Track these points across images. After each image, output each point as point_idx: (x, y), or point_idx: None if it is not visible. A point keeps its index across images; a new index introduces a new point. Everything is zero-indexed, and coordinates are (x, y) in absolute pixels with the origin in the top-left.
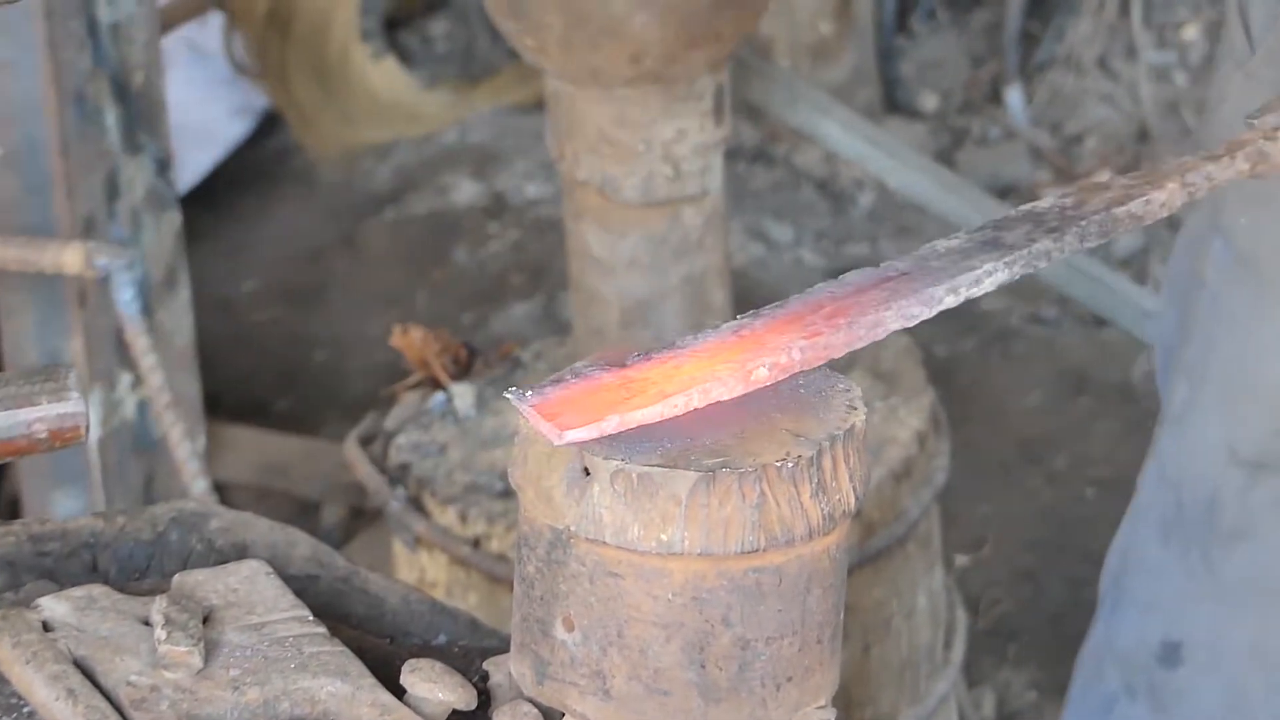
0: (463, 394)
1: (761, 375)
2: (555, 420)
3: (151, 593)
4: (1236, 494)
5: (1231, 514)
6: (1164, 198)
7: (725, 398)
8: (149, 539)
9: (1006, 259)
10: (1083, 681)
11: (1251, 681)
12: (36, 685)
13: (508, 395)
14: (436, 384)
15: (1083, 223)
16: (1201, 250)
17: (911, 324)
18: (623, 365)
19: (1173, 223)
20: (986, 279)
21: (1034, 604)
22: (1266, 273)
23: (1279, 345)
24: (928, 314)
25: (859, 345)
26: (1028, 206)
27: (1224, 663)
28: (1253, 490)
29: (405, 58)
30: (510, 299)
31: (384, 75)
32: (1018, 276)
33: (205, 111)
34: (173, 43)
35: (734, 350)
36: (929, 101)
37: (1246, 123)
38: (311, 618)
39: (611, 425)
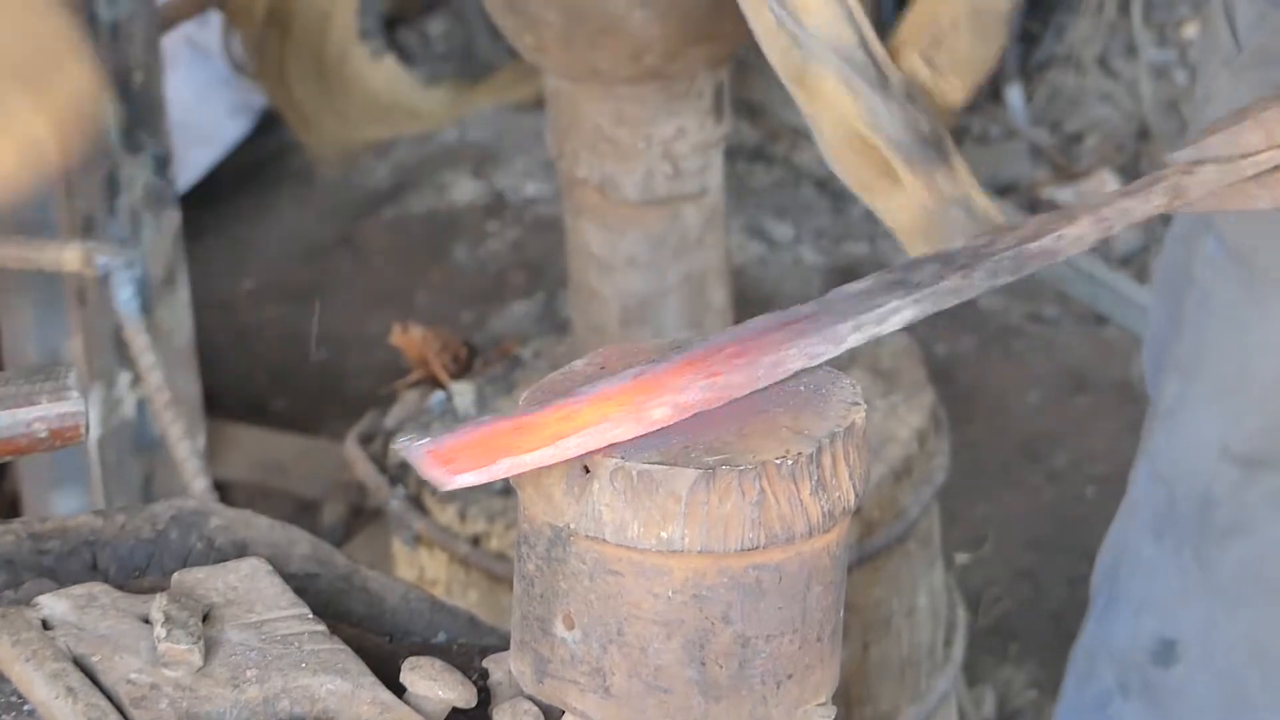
0: (462, 392)
1: (660, 415)
2: (447, 465)
3: (151, 591)
4: (1230, 490)
5: (1225, 511)
6: (1077, 233)
7: (621, 439)
8: (149, 537)
9: (914, 296)
10: (1076, 680)
11: (1248, 679)
12: (36, 683)
13: (395, 446)
14: (436, 382)
15: (994, 259)
16: (1192, 247)
17: (815, 362)
18: (519, 413)
19: (1170, 220)
20: (893, 316)
21: (1034, 602)
22: (1258, 269)
23: (1272, 341)
24: (833, 352)
25: (761, 385)
26: (940, 249)
27: (1219, 660)
28: (1248, 487)
29: (404, 56)
30: (510, 297)
31: (383, 74)
32: (927, 314)
33: (204, 110)
34: (172, 42)
35: (634, 392)
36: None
37: (1167, 158)
38: (311, 616)
39: (502, 469)
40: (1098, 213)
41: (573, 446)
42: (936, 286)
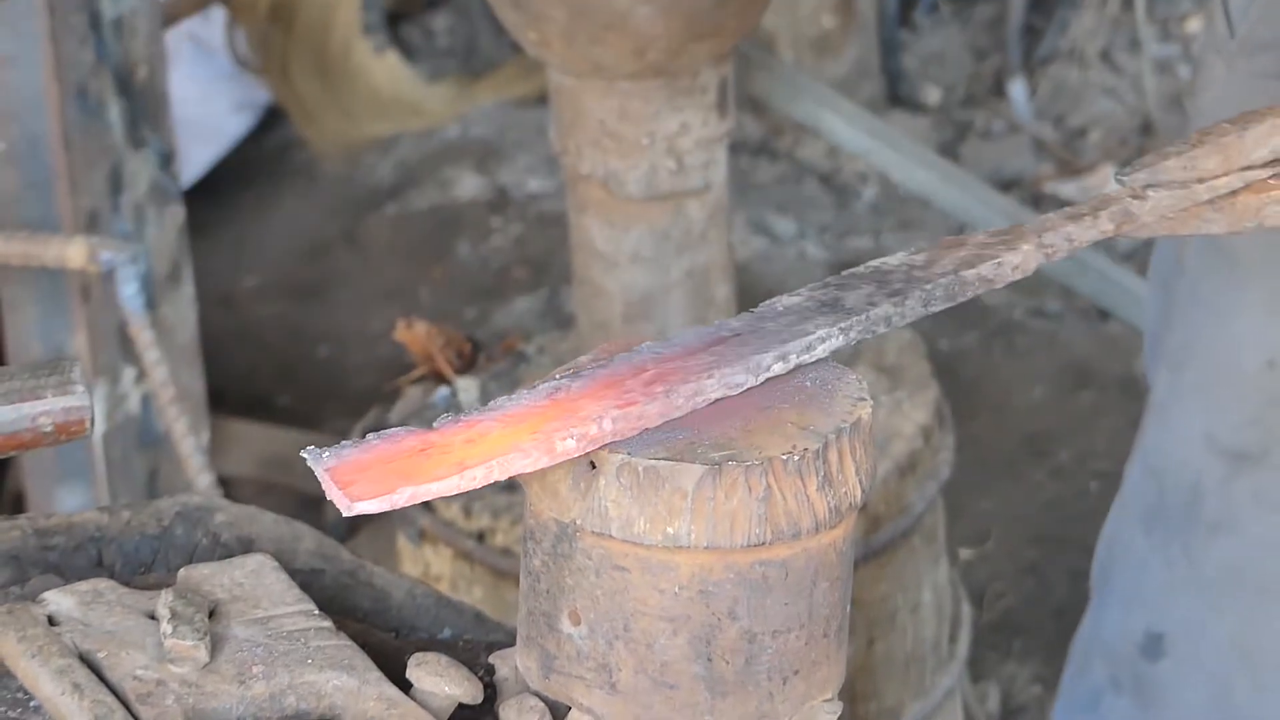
0: (467, 388)
1: (568, 447)
2: (347, 489)
3: (157, 587)
4: (1217, 484)
5: (1212, 505)
6: (1018, 260)
7: (528, 469)
8: (154, 533)
9: (843, 324)
10: (1072, 674)
11: (1234, 675)
12: (43, 680)
13: (304, 454)
14: (440, 378)
15: (928, 286)
16: (1183, 237)
17: (735, 392)
18: (429, 429)
19: None
20: (819, 345)
21: (1038, 598)
22: (1241, 259)
23: (1254, 333)
24: (753, 381)
25: (677, 414)
26: (876, 263)
27: (1205, 656)
28: (1233, 481)
29: (407, 52)
30: (513, 293)
31: (386, 70)
32: (854, 342)
33: (208, 106)
34: (175, 37)
35: (545, 417)
36: (932, 95)
37: (1116, 179)
38: (317, 612)
39: (403, 498)
40: (1040, 238)
41: (479, 476)
42: (868, 314)
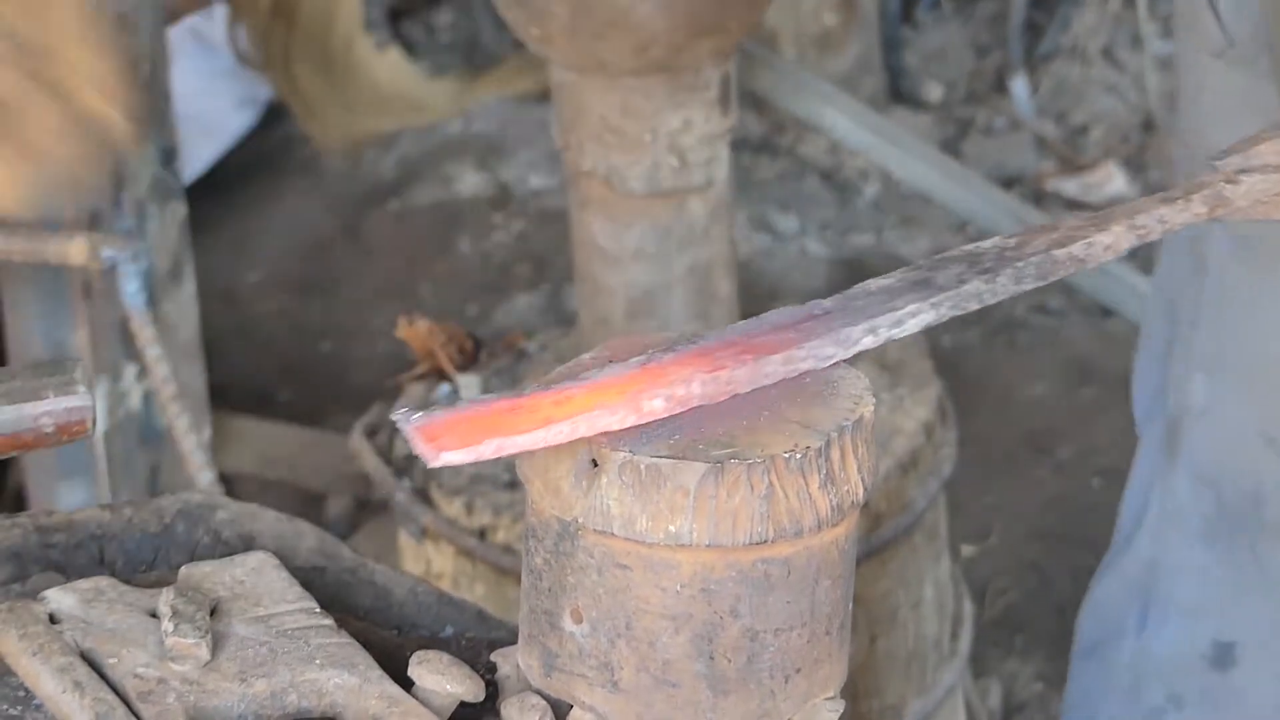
0: (468, 385)
1: (656, 406)
2: (434, 441)
3: (158, 585)
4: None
5: (1277, 504)
6: (1109, 240)
7: (615, 428)
8: (155, 531)
9: (933, 299)
10: (1120, 701)
11: None
12: (44, 677)
13: (394, 417)
14: (442, 375)
15: (1019, 264)
16: (1201, 235)
17: (825, 364)
18: (520, 393)
19: None
20: (910, 320)
21: (1040, 595)
22: (1265, 247)
23: None
24: (843, 354)
25: (767, 382)
26: (970, 247)
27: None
28: None
29: (409, 48)
30: (515, 290)
31: (388, 65)
32: (945, 318)
33: (210, 102)
34: (177, 33)
35: (634, 381)
36: (934, 92)
37: (1208, 164)
38: (319, 610)
39: (489, 450)
40: (1132, 220)
41: (564, 431)
42: (958, 290)
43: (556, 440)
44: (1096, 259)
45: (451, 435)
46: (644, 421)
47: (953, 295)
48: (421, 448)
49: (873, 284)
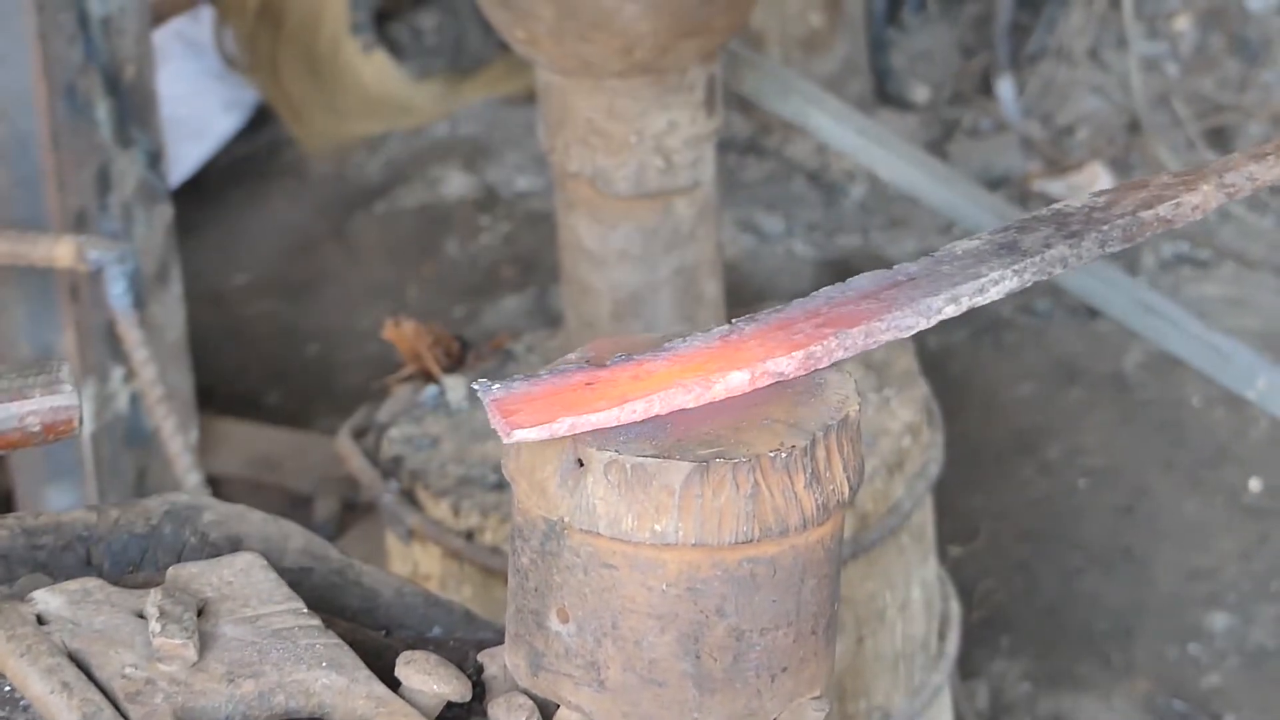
0: (455, 386)
1: (737, 382)
2: (509, 418)
3: (146, 586)
4: None
5: None
6: (1197, 200)
7: (689, 405)
8: (143, 532)
9: (1016, 266)
10: None
11: None
12: (32, 679)
13: (475, 386)
14: (429, 377)
15: (1105, 227)
16: None
17: (907, 334)
18: (601, 365)
19: None
20: (993, 287)
21: (1028, 595)
22: None
23: None
24: (925, 324)
25: (847, 355)
26: (1058, 205)
27: None
28: None
29: (395, 51)
30: (502, 291)
31: (374, 68)
32: (1029, 284)
33: (196, 105)
34: (164, 36)
35: (713, 357)
36: (920, 93)
37: None
38: (306, 610)
39: (563, 428)
40: (1221, 178)
41: (639, 410)
42: (1043, 255)
43: (630, 419)
44: (1184, 219)
45: (527, 411)
46: (722, 399)
47: (1037, 261)
48: (496, 422)
49: (959, 246)
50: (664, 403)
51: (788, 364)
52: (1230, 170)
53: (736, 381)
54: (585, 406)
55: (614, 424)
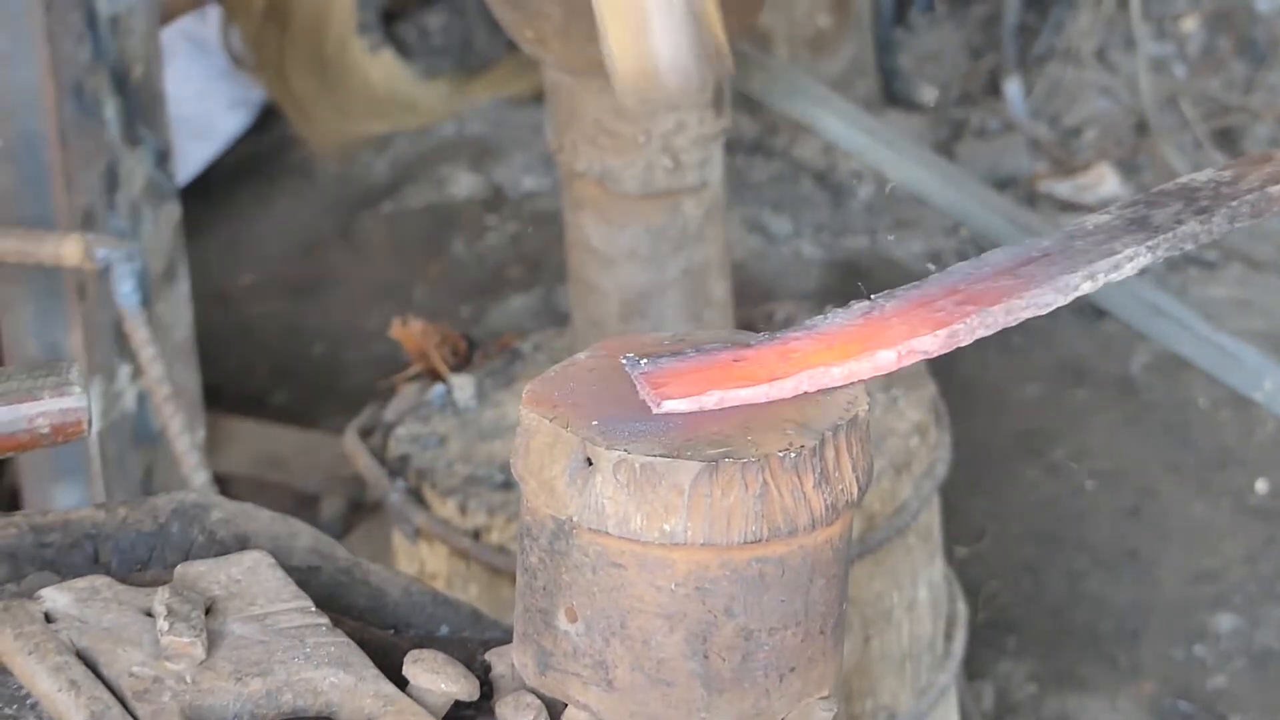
0: (462, 386)
1: (885, 361)
2: (659, 389)
3: (153, 584)
4: None
5: None
6: None
7: (836, 384)
8: (150, 530)
9: (1150, 242)
10: None
11: None
12: (39, 677)
13: (623, 360)
14: (436, 376)
15: (1234, 203)
16: None
17: (1046, 311)
18: (746, 344)
19: None
20: (1127, 264)
21: (1033, 595)
22: None
23: None
24: (1063, 301)
25: (988, 333)
26: (1184, 179)
27: None
28: None
29: (402, 50)
30: (508, 291)
31: (381, 68)
32: (1160, 260)
33: (203, 104)
34: (171, 35)
35: (857, 336)
36: (927, 94)
37: None
38: (314, 609)
39: (712, 401)
40: None
41: (788, 388)
42: (1175, 232)
43: (779, 395)
44: None
45: (677, 384)
46: (871, 377)
47: (1170, 237)
48: (646, 393)
49: (1090, 221)
50: (812, 380)
51: (932, 342)
52: None
53: (884, 360)
54: (733, 381)
55: (763, 399)
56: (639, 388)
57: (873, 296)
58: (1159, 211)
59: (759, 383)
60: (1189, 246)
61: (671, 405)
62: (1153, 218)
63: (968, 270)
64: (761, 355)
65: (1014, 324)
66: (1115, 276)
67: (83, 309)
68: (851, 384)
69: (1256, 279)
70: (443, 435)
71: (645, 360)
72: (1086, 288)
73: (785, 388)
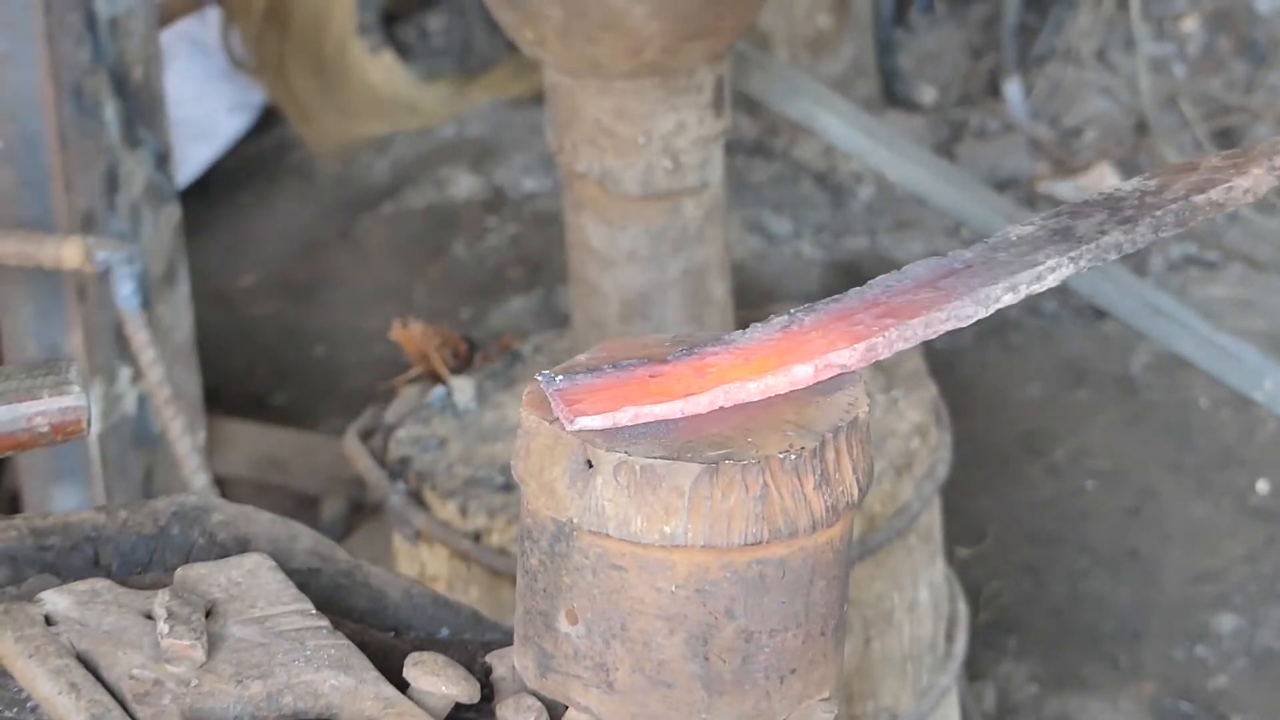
0: (462, 387)
1: (803, 375)
2: (572, 406)
3: (154, 587)
4: None
5: None
6: (1248, 184)
7: (754, 398)
8: (151, 533)
9: (1072, 253)
10: None
11: None
12: (39, 679)
13: (538, 377)
14: (436, 377)
15: (1158, 212)
16: None
17: (966, 324)
18: (662, 360)
19: None
20: (1049, 275)
21: (1034, 596)
22: None
23: None
24: (984, 313)
25: (907, 346)
26: (1110, 189)
27: None
28: None
29: (403, 52)
30: (509, 292)
31: (381, 69)
32: (1085, 270)
33: (204, 106)
34: (171, 37)
35: (775, 350)
36: (927, 94)
37: None
38: (314, 611)
39: (626, 417)
40: (1271, 161)
41: (703, 403)
42: (1098, 242)
43: (695, 411)
44: (1236, 202)
45: (591, 400)
46: (789, 390)
47: (1093, 248)
48: (559, 410)
49: (1013, 232)
50: (728, 396)
51: (850, 356)
52: (1279, 154)
53: (801, 375)
54: (649, 398)
55: (678, 415)
56: (553, 405)
57: (791, 310)
58: (1082, 222)
59: (675, 398)
60: (1112, 257)
61: (585, 422)
62: (1076, 228)
63: (888, 283)
64: (678, 371)
65: (932, 337)
66: (1038, 288)
67: (83, 311)
68: (854, 381)
69: (1257, 279)
70: (443, 437)
71: (560, 377)
72: (1008, 299)
73: (700, 403)
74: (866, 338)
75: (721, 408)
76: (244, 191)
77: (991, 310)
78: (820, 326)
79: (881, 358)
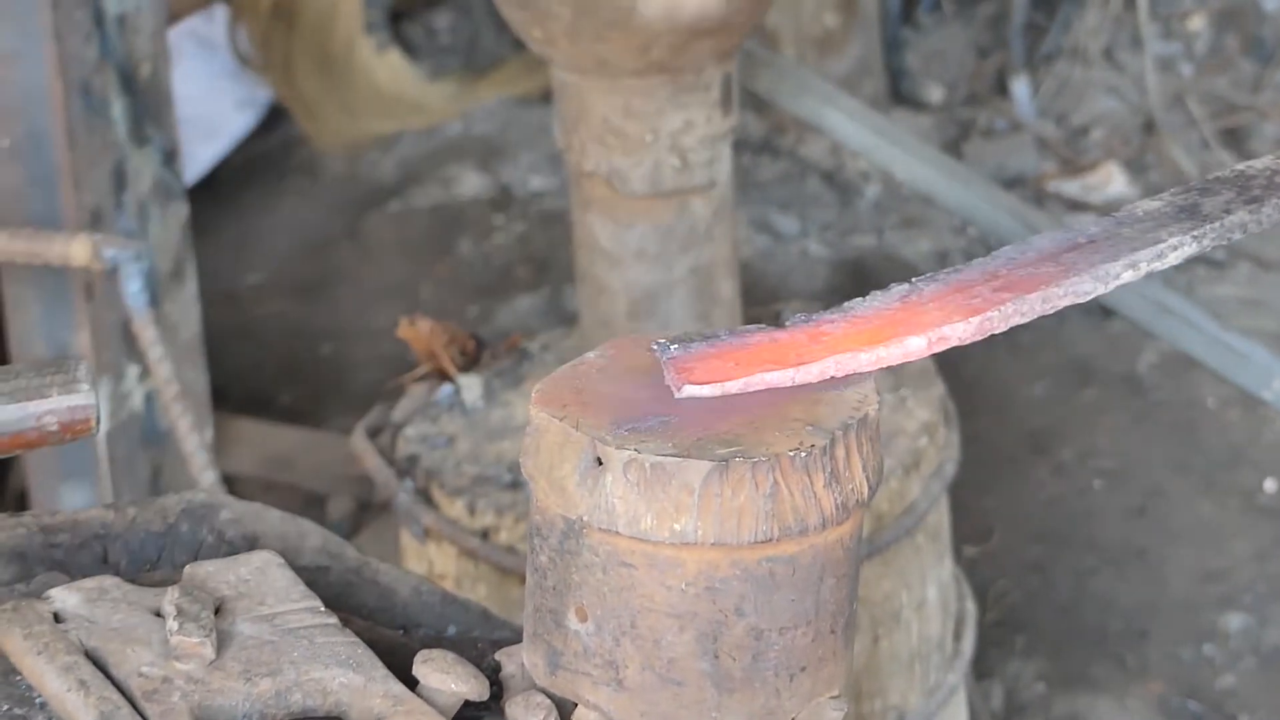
0: (470, 385)
1: (916, 347)
2: (683, 373)
3: (163, 584)
4: None
5: None
6: None
7: (865, 369)
8: (160, 530)
9: (1196, 232)
10: None
11: None
12: (48, 677)
13: (654, 346)
14: (443, 376)
15: None
16: None
17: (1085, 300)
18: (780, 327)
19: None
20: (1171, 253)
21: (1042, 595)
22: None
23: None
24: (1103, 290)
25: (1024, 320)
26: (1242, 166)
27: None
28: None
29: (409, 50)
30: (516, 291)
31: (388, 67)
32: (1208, 249)
33: (211, 104)
34: (178, 35)
35: (892, 320)
36: (935, 93)
37: None
38: (323, 609)
39: (736, 385)
40: None
41: (814, 372)
42: (1223, 221)
43: (805, 379)
44: None
45: (702, 369)
46: (895, 363)
47: (1217, 227)
48: (670, 377)
49: (1140, 207)
50: (839, 366)
51: (964, 329)
52: None
53: (914, 347)
54: (761, 364)
55: (789, 384)
56: (665, 373)
57: (913, 280)
58: (1210, 199)
59: (786, 366)
60: (1237, 236)
61: (692, 390)
62: (1203, 206)
63: (1011, 255)
64: (793, 338)
65: (1050, 312)
66: (1159, 265)
67: (90, 309)
68: (864, 379)
69: (1265, 278)
70: (451, 435)
71: (675, 345)
72: (1128, 276)
73: (812, 372)
74: (983, 311)
75: (729, 409)
76: (251, 190)
77: (1111, 287)
78: (938, 298)
79: (997, 331)
